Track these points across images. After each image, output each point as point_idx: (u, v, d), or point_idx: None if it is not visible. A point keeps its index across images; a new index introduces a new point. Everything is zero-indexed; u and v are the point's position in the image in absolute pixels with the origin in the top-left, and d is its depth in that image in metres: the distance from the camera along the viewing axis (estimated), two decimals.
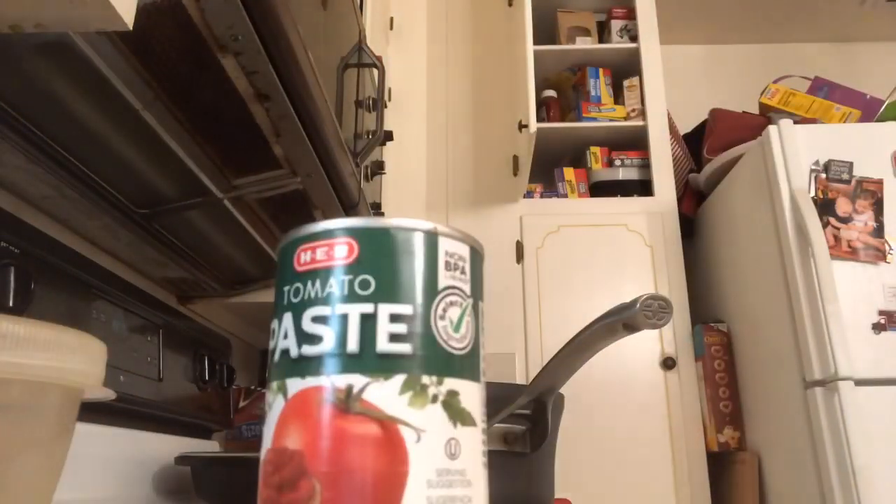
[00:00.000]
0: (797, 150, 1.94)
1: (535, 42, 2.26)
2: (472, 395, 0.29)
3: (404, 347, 0.27)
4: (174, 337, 1.13)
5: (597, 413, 2.06)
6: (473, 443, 0.28)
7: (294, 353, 0.28)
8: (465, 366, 0.29)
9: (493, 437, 0.50)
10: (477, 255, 0.31)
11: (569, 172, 2.38)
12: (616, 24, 2.48)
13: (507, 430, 0.51)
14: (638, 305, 0.42)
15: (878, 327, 1.78)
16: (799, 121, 2.10)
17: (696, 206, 2.50)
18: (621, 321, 0.43)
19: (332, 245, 0.29)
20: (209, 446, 1.37)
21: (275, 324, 0.30)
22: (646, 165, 2.33)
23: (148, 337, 1.04)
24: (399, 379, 0.27)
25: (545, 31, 2.47)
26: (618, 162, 2.35)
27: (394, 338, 0.27)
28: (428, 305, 0.28)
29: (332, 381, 0.27)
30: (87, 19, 0.43)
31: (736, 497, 2.01)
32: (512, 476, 0.52)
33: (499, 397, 0.48)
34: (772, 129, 1.98)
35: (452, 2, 2.61)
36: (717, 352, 2.12)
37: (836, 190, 1.90)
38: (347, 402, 0.27)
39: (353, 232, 0.29)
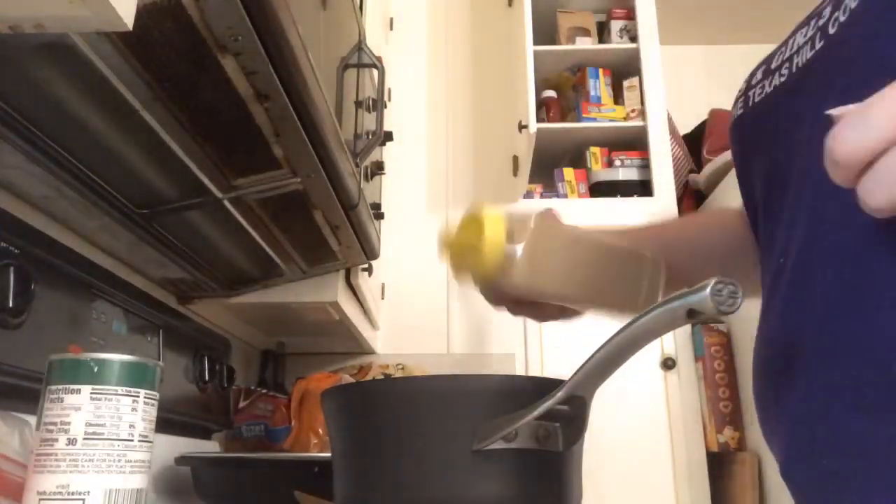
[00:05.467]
0: None
1: (535, 42, 2.25)
2: None
3: None
4: (174, 337, 1.13)
5: (596, 413, 2.05)
6: None
7: None
8: None
9: (525, 435, 0.46)
10: None
11: (569, 173, 2.38)
12: (616, 25, 2.48)
13: (539, 427, 0.47)
14: (708, 290, 0.38)
15: None
16: None
17: (696, 207, 2.49)
18: (687, 307, 0.40)
19: None
20: (209, 446, 1.37)
21: None
22: (646, 166, 2.32)
23: (148, 337, 1.05)
24: None
25: (545, 32, 2.46)
26: (618, 162, 2.34)
27: None
28: None
29: None
30: (86, 20, 0.43)
31: (736, 497, 2.00)
32: (543, 476, 0.48)
33: (536, 391, 0.46)
34: None
35: (452, 2, 2.61)
36: (717, 352, 2.12)
37: None
38: None
39: None
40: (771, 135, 0.56)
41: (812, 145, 0.49)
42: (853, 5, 0.47)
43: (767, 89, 0.57)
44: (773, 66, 0.58)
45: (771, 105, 0.57)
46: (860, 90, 0.37)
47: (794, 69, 0.54)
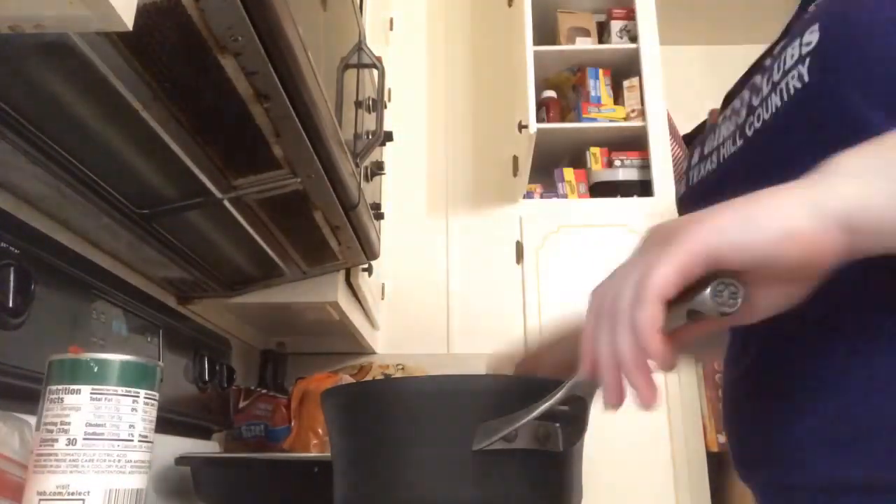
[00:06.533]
0: None
1: (535, 42, 2.25)
2: None
3: None
4: (174, 337, 1.13)
5: (596, 413, 2.05)
6: None
7: None
8: None
9: (525, 435, 0.46)
10: None
11: (568, 173, 2.38)
12: (616, 25, 2.48)
13: (539, 427, 0.46)
14: (709, 289, 0.38)
15: None
16: None
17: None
18: (687, 307, 0.39)
19: None
20: (209, 446, 1.37)
21: None
22: (646, 166, 2.32)
23: (148, 337, 1.04)
24: None
25: (545, 32, 2.46)
26: (617, 162, 2.34)
27: None
28: None
29: None
30: (86, 19, 0.43)
31: (736, 497, 2.00)
32: (543, 476, 0.48)
33: (536, 391, 0.46)
34: None
35: (452, 2, 2.60)
36: None
37: None
38: None
39: None
40: None
41: None
42: (766, 116, 0.53)
43: (702, 173, 0.63)
44: (706, 151, 0.63)
45: (702, 194, 0.62)
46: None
47: (720, 160, 0.60)
